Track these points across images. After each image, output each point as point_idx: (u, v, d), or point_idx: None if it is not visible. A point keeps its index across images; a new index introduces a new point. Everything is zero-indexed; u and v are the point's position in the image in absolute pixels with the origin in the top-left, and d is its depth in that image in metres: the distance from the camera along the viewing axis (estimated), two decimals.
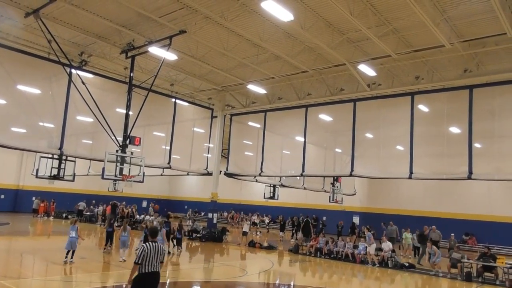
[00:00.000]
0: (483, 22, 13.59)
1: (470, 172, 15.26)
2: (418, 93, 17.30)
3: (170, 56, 16.74)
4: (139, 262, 6.26)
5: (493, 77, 15.86)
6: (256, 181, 27.07)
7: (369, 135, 19.47)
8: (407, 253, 20.71)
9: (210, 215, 24.12)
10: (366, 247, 18.14)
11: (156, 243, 6.53)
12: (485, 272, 14.95)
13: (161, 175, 26.50)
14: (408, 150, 16.79)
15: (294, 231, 27.02)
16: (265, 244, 21.79)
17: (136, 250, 15.45)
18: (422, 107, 17.43)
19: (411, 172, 16.59)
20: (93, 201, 32.93)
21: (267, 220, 37.91)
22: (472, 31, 14.35)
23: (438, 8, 12.99)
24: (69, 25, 16.06)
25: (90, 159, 22.10)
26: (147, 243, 6.47)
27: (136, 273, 6.33)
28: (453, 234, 20.80)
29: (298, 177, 25.91)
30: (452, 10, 13.06)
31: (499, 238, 25.34)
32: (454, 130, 16.85)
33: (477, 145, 15.71)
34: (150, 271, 6.31)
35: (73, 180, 21.97)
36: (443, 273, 15.63)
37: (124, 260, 13.86)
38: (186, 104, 22.89)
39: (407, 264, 17.05)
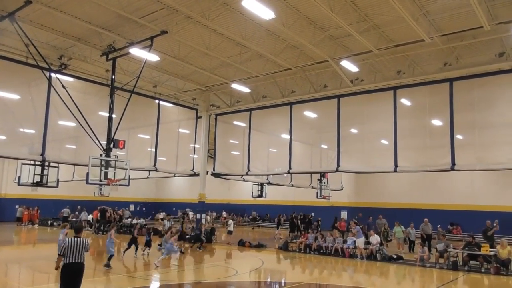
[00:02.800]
0: (460, 16, 13.84)
1: (453, 164, 15.53)
2: (400, 87, 17.51)
3: (152, 57, 16.59)
4: (62, 254, 7.40)
5: (472, 70, 16.18)
6: (244, 180, 27.05)
7: (353, 130, 19.64)
8: (400, 248, 20.16)
9: (198, 216, 24.01)
10: (355, 241, 18.33)
11: (79, 238, 7.52)
12: (470, 261, 15.29)
13: (148, 177, 26.23)
14: (392, 144, 16.98)
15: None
16: (255, 243, 21.82)
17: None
18: (405, 101, 17.65)
19: (396, 166, 16.79)
20: (78, 207, 32.42)
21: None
22: (450, 25, 14.61)
23: (416, 3, 13.19)
24: (47, 28, 15.76)
25: (74, 164, 21.76)
26: (69, 238, 7.51)
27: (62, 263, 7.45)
28: (439, 226, 21.09)
29: (285, 175, 26.00)
30: (430, 5, 13.27)
31: (483, 227, 25.84)
32: (436, 122, 17.12)
33: (458, 136, 16.00)
34: (71, 261, 7.36)
35: (57, 186, 21.66)
36: (430, 264, 15.91)
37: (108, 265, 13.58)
38: (170, 105, 22.73)
39: (395, 256, 17.29)
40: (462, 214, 27.80)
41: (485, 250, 15.05)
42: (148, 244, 16.88)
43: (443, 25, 14.69)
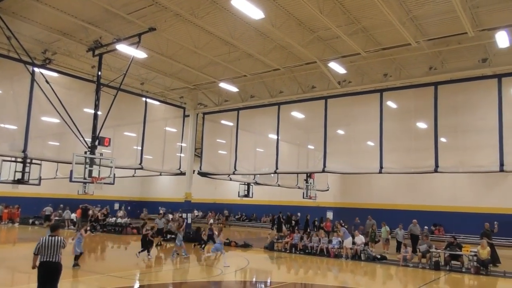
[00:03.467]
0: (446, 21, 14.10)
1: (437, 166, 15.81)
2: (386, 90, 17.74)
3: (139, 54, 16.43)
4: (36, 253, 7.42)
5: (456, 74, 16.54)
6: (230, 179, 27.03)
7: (340, 132, 19.81)
8: (385, 248, 20.21)
9: (184, 215, 23.89)
10: (340, 241, 18.47)
11: (54, 237, 7.52)
12: (452, 261, 15.61)
13: (133, 176, 25.98)
14: (378, 146, 17.20)
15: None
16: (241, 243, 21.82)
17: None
18: (391, 104, 17.88)
19: (381, 167, 17.00)
20: (61, 205, 31.89)
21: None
22: (436, 30, 14.86)
23: (404, 8, 13.37)
24: (31, 20, 15.37)
25: (57, 162, 21.37)
26: (43, 237, 7.52)
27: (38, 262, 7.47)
28: (426, 227, 21.34)
29: (272, 175, 26.06)
30: (417, 10, 13.47)
31: (465, 228, 26.40)
32: (421, 125, 17.39)
33: (442, 139, 16.29)
34: (46, 260, 7.38)
35: (39, 184, 21.27)
36: (413, 264, 16.15)
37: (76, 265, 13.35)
38: (157, 103, 22.54)
39: (379, 256, 17.52)
40: (444, 215, 28.30)
41: (466, 250, 15.43)
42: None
43: (429, 30, 14.93)
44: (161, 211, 32.88)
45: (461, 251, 15.54)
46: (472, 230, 25.93)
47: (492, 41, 14.29)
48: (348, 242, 18.12)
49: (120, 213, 30.67)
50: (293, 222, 28.90)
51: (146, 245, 16.07)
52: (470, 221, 26.98)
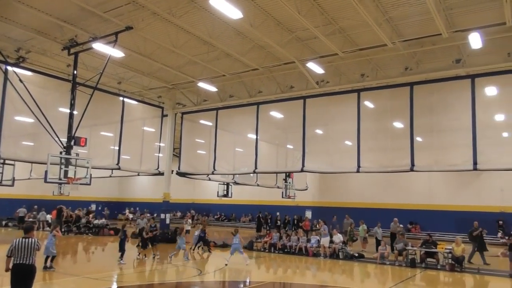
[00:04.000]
0: (421, 23, 14.43)
1: (413, 164, 16.09)
2: (363, 90, 17.97)
3: (116, 53, 16.18)
4: (9, 255, 7.27)
5: (431, 75, 16.91)
6: (209, 179, 26.91)
7: (318, 131, 19.97)
8: (362, 246, 20.40)
9: (162, 215, 23.66)
10: (318, 240, 18.64)
11: (28, 239, 7.37)
12: (427, 258, 15.94)
13: (110, 176, 25.58)
14: (355, 145, 17.39)
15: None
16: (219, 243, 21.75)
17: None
18: (368, 104, 18.13)
19: (359, 166, 17.21)
20: (35, 206, 31.08)
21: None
22: (411, 31, 15.18)
23: (380, 9, 13.60)
24: (3, 18, 15.01)
25: (32, 162, 20.87)
26: (17, 239, 7.36)
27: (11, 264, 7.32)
28: (402, 226, 21.57)
29: (251, 174, 26.09)
30: (393, 11, 13.73)
31: (440, 225, 27.09)
32: (398, 125, 17.69)
33: (418, 139, 16.59)
34: (19, 262, 7.24)
35: (12, 185, 20.76)
36: (390, 261, 16.44)
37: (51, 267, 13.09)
38: (135, 102, 22.24)
39: (357, 255, 17.76)
40: (420, 213, 28.95)
41: (441, 248, 15.80)
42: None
43: (405, 31, 15.24)
44: (145, 211, 32.51)
45: (436, 248, 15.91)
46: (447, 228, 26.71)
47: (466, 42, 14.68)
48: (325, 241, 18.29)
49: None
50: (279, 222, 29.01)
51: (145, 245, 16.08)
52: (445, 219, 27.74)
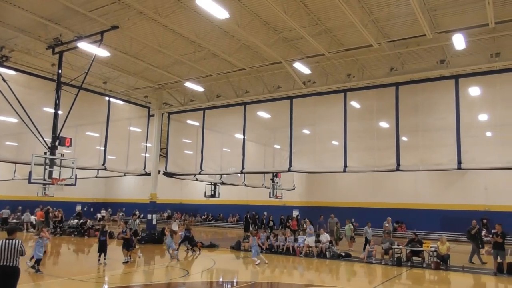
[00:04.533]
0: (405, 24, 14.60)
1: (398, 164, 16.26)
2: (350, 90, 18.10)
3: (102, 52, 16.01)
4: None
5: (416, 75, 17.13)
6: (197, 179, 26.81)
7: (305, 131, 20.05)
8: (349, 246, 20.42)
9: (149, 216, 23.49)
10: (305, 239, 18.71)
11: (11, 240, 7.29)
12: (413, 257, 16.09)
13: (96, 177, 25.29)
14: (342, 145, 17.51)
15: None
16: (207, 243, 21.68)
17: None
18: (354, 104, 18.26)
19: (345, 166, 17.32)
20: (19, 207, 30.55)
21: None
22: (397, 32, 15.36)
23: (366, 9, 13.72)
24: None
25: (15, 163, 20.58)
26: (1, 240, 7.26)
27: None
28: (387, 225, 21.62)
29: (239, 174, 26.07)
30: (378, 12, 13.86)
31: (425, 224, 27.44)
32: (383, 125, 17.85)
33: (404, 138, 16.78)
34: (2, 264, 7.13)
35: None
36: (376, 260, 16.59)
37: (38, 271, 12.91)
38: (121, 102, 22.06)
39: (343, 254, 17.86)
40: (406, 213, 29.27)
41: (427, 246, 15.97)
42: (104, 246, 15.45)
43: (390, 32, 15.41)
44: (136, 212, 32.21)
45: (422, 247, 16.05)
46: (432, 227, 27.09)
47: (450, 43, 14.90)
48: (311, 241, 18.36)
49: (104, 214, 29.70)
50: (271, 222, 29.06)
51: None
52: (430, 218, 28.11)
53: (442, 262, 15.24)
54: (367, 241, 19.00)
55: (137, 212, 32.52)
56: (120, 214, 40.10)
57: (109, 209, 42.40)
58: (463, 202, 27.19)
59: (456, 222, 26.74)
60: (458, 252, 17.79)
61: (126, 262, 15.10)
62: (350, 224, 21.24)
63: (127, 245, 15.57)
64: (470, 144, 15.17)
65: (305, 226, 23.63)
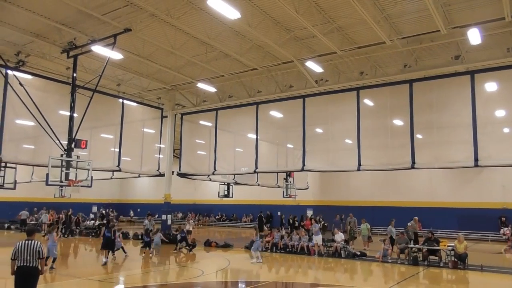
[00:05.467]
0: (419, 20, 14.41)
1: (413, 162, 16.07)
2: (362, 88, 17.96)
3: (115, 55, 16.20)
4: (13, 258, 7.26)
5: (430, 72, 16.87)
6: (210, 180, 26.91)
7: (318, 130, 19.96)
8: (365, 245, 19.93)
9: (163, 216, 23.67)
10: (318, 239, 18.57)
11: (30, 241, 7.33)
12: (430, 256, 15.86)
13: (111, 178, 25.62)
14: (355, 143, 17.38)
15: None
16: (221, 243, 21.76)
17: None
18: (367, 102, 18.11)
19: (359, 164, 17.18)
20: (35, 209, 31.11)
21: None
22: (410, 28, 15.16)
23: (378, 6, 13.58)
24: (3, 22, 15.04)
25: (33, 165, 20.91)
26: (20, 241, 7.33)
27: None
28: (409, 224, 20.87)
29: (252, 174, 26.04)
30: (391, 9, 13.71)
31: (442, 223, 27.02)
32: (397, 122, 17.66)
33: (418, 136, 16.55)
34: (22, 265, 7.23)
35: (14, 188, 20.79)
36: (392, 259, 16.41)
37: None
38: (134, 104, 22.27)
39: (358, 253, 17.71)
40: (422, 211, 28.80)
41: (444, 245, 15.69)
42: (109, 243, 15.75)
43: (403, 28, 15.22)
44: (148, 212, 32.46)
45: (438, 246, 15.77)
46: (449, 225, 26.66)
47: (464, 38, 14.65)
48: (318, 239, 18.25)
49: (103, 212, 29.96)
50: (291, 221, 29.02)
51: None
52: (447, 216, 27.67)
53: (459, 261, 14.97)
54: (392, 240, 17.91)
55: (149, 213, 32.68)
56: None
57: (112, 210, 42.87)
58: (480, 200, 26.71)
59: (473, 220, 26.32)
60: (476, 251, 17.47)
61: (105, 264, 14.88)
62: (367, 224, 20.76)
63: (108, 246, 15.46)
64: (487, 140, 14.89)
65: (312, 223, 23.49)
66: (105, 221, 27.77)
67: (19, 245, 7.28)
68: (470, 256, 15.24)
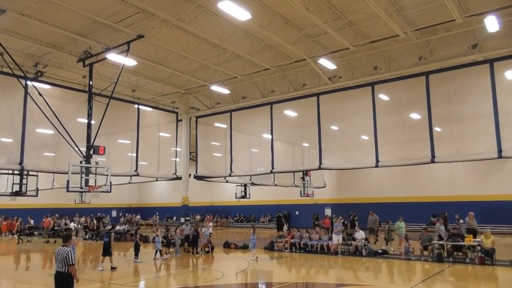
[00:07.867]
0: (432, 10, 14.13)
1: (433, 156, 15.76)
2: (377, 83, 17.71)
3: (129, 61, 16.43)
4: (70, 264, 7.45)
5: (446, 63, 16.52)
6: (227, 181, 26.95)
7: (334, 127, 19.78)
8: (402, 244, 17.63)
9: (182, 219, 23.82)
10: (337, 238, 18.33)
11: (63, 248, 7.50)
12: (455, 252, 15.39)
13: (129, 183, 25.87)
14: (372, 139, 17.15)
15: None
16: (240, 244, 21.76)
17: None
18: (383, 96, 17.86)
19: (377, 161, 16.96)
20: (56, 215, 31.73)
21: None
22: (423, 19, 14.89)
23: None
24: (21, 36, 15.51)
25: (53, 172, 21.33)
26: (58, 248, 7.58)
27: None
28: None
29: (269, 174, 25.98)
30: (403, 1, 13.52)
31: (465, 217, 26.35)
32: (415, 116, 17.36)
33: (437, 129, 16.23)
34: (57, 270, 7.51)
35: (36, 195, 21.18)
36: (415, 256, 16.06)
37: None
38: (149, 109, 22.51)
39: (380, 251, 17.43)
40: (444, 206, 28.23)
41: (469, 240, 15.16)
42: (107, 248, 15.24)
43: (416, 20, 14.95)
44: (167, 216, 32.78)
45: (463, 241, 15.26)
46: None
47: (481, 26, 14.33)
48: (339, 238, 18.02)
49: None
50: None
51: None
52: (470, 210, 26.94)
53: (486, 256, 14.47)
54: (441, 239, 16.36)
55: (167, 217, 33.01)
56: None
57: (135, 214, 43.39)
58: (504, 192, 25.99)
59: (498, 213, 25.60)
60: (504, 245, 16.89)
61: (101, 270, 14.57)
62: (403, 222, 18.69)
63: (105, 251, 15.00)
64: (510, 130, 14.48)
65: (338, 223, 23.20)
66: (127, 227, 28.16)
67: (56, 251, 7.58)
68: (498, 251, 14.73)
